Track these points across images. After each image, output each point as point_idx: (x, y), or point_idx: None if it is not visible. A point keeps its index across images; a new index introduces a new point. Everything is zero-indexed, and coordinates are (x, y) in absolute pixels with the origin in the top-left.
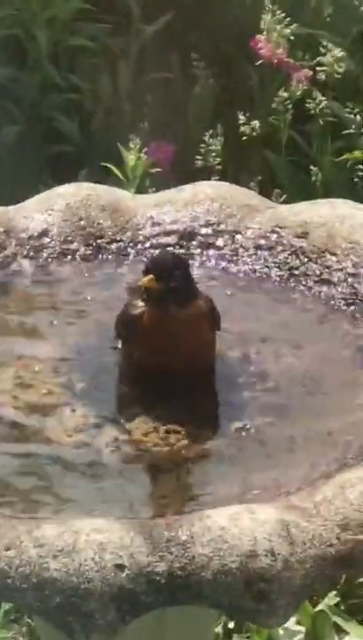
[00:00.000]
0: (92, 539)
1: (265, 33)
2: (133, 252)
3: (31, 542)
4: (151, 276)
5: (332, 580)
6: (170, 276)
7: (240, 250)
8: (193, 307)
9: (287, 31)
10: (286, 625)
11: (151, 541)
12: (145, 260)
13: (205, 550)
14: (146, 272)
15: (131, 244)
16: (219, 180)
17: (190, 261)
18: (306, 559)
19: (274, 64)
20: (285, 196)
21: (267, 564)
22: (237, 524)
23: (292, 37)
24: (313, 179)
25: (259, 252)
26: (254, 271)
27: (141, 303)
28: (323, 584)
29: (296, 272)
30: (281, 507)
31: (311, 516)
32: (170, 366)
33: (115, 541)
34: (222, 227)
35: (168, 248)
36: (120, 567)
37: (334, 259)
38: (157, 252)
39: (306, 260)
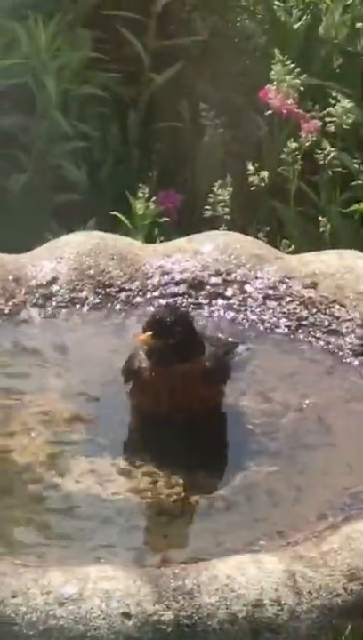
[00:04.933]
0: (99, 586)
1: (275, 83)
2: (141, 300)
3: (38, 590)
4: (149, 333)
5: (338, 629)
6: (169, 333)
7: (249, 300)
8: (194, 362)
9: (297, 81)
10: None
11: (158, 590)
12: (151, 310)
13: (211, 599)
14: (145, 328)
15: (140, 293)
16: (227, 230)
17: (198, 311)
18: (312, 609)
19: (283, 114)
20: (293, 247)
21: (273, 614)
22: (243, 574)
23: (301, 88)
24: (322, 229)
25: (268, 302)
26: (263, 321)
27: (143, 355)
28: (329, 634)
29: (305, 322)
30: (288, 556)
31: (318, 566)
32: (170, 418)
33: (121, 589)
34: (232, 276)
35: (177, 297)
36: (127, 615)
37: (342, 309)
38: (159, 306)
39: (315, 310)
